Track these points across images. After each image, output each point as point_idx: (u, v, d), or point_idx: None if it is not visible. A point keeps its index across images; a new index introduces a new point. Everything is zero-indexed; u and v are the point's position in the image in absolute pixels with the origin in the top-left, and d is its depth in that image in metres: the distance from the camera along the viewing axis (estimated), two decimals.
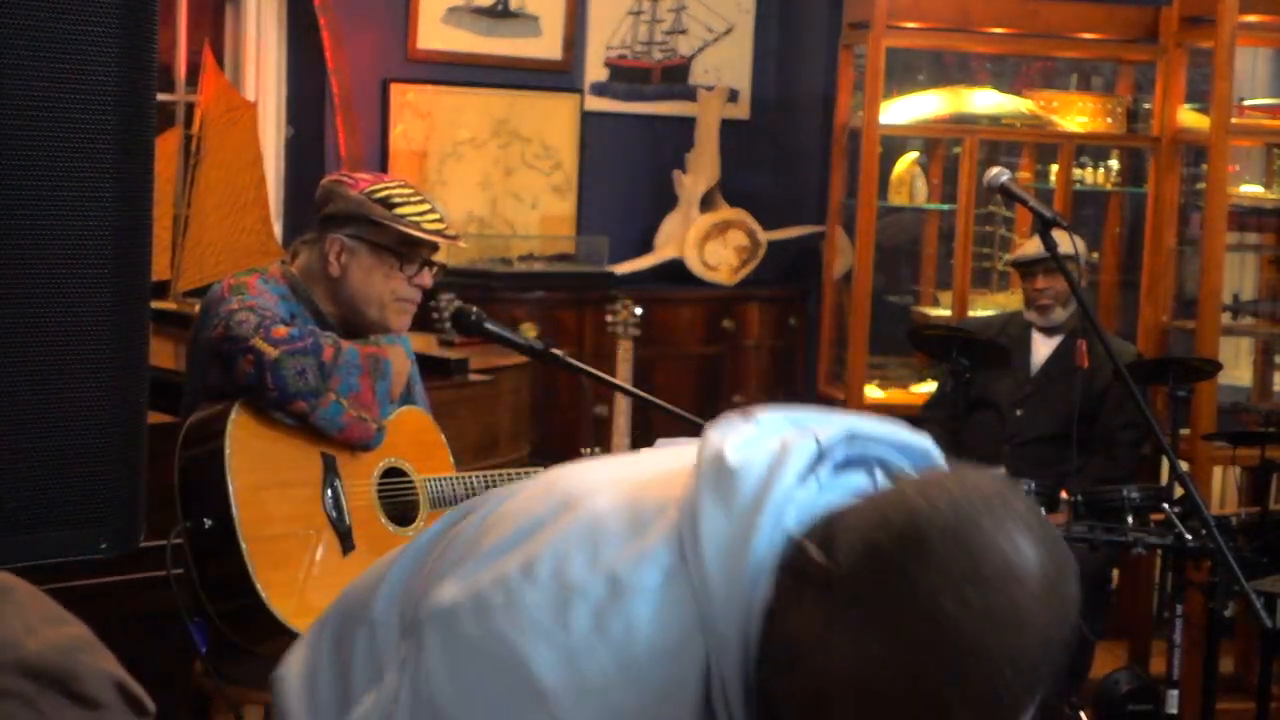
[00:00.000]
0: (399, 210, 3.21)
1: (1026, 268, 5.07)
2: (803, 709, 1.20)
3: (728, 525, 1.22)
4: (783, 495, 1.22)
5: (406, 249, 3.24)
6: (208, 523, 3.06)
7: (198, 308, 3.38)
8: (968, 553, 1.14)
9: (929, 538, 1.14)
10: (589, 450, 4.30)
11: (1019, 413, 5.07)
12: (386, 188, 3.25)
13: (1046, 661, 1.16)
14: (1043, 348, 5.13)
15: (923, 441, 1.33)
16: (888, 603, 1.14)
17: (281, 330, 3.10)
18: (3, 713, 0.73)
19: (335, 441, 3.18)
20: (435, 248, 3.29)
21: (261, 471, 3.12)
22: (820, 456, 1.26)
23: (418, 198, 3.27)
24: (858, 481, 1.27)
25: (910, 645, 1.13)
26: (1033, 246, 5.10)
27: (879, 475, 1.28)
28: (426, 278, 3.29)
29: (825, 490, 1.25)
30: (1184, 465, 4.19)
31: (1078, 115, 5.84)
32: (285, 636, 2.87)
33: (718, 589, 1.21)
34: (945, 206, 6.06)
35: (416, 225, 3.20)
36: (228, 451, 3.06)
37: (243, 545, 3.03)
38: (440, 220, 3.26)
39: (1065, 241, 4.27)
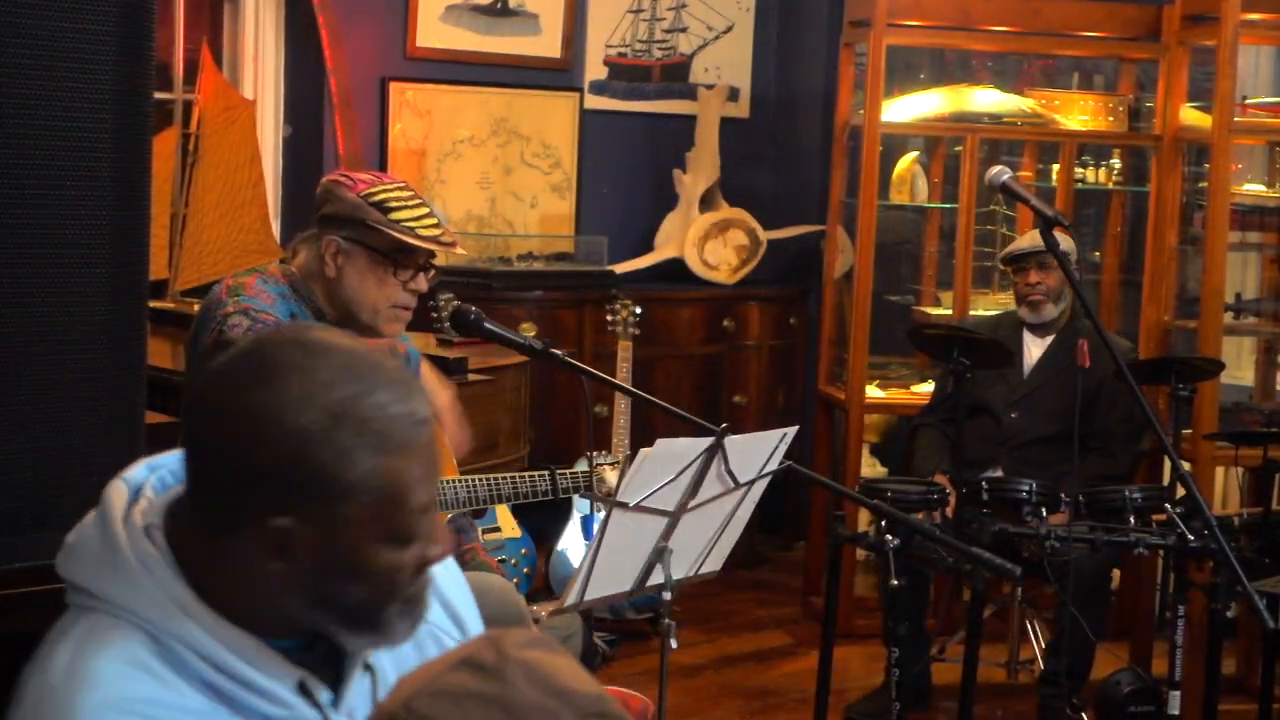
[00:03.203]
0: (394, 215, 3.17)
1: (1018, 262, 5.07)
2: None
3: (102, 571, 1.49)
4: (120, 520, 1.50)
5: (401, 255, 3.21)
6: None
7: (197, 308, 3.36)
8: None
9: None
10: (591, 452, 4.29)
11: (1013, 415, 5.06)
12: (384, 190, 3.21)
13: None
14: (1034, 349, 5.13)
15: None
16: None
17: None
18: None
19: None
20: (431, 253, 3.26)
21: None
22: (138, 488, 1.54)
23: (415, 201, 3.23)
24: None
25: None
26: (1026, 241, 5.11)
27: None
28: (422, 282, 3.25)
29: (161, 497, 1.54)
30: (1186, 465, 4.18)
31: (1079, 114, 5.83)
32: None
33: (125, 599, 1.46)
34: (946, 205, 6.04)
35: (411, 231, 3.17)
36: None
37: None
38: (437, 225, 3.22)
39: (1063, 241, 4.27)
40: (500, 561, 4.82)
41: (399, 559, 1.47)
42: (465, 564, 3.40)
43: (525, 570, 5.07)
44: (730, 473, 3.13)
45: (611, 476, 4.22)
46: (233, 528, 1.46)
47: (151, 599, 1.46)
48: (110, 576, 1.48)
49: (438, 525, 1.52)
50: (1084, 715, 4.55)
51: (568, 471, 3.98)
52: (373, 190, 3.20)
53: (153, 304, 3.47)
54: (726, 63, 6.74)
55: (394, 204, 3.19)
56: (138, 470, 1.57)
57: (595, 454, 5.07)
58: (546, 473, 4.33)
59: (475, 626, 1.73)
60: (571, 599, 3.11)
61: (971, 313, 5.60)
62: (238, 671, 1.47)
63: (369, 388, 1.43)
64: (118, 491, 1.54)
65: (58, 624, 1.52)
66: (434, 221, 3.21)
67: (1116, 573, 5.44)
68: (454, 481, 3.62)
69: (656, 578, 3.17)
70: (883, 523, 3.92)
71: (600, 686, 1.10)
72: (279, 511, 1.43)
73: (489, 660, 1.07)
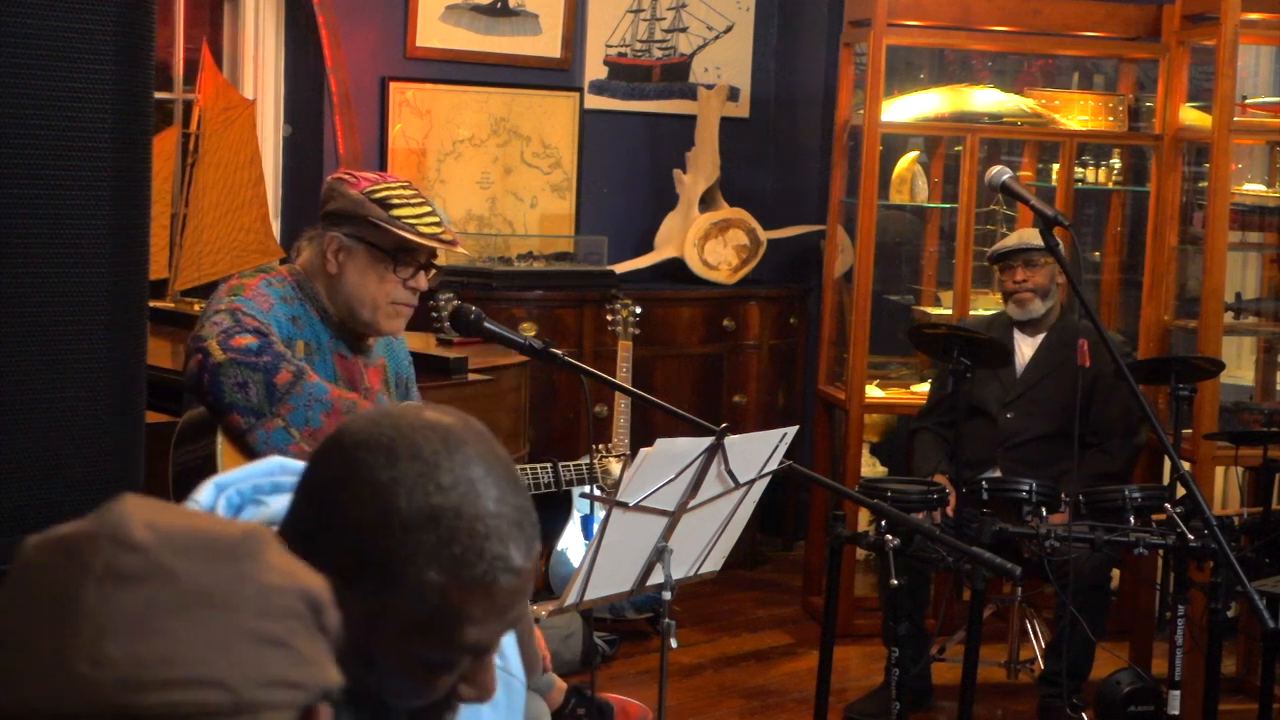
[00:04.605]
0: (396, 212, 3.17)
1: (1005, 260, 5.08)
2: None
3: None
4: None
5: (402, 252, 3.21)
6: None
7: (198, 308, 3.36)
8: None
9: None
10: (597, 448, 4.28)
11: (1009, 415, 5.06)
12: (387, 188, 3.22)
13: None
14: (1026, 348, 5.13)
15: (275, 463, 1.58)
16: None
17: (243, 340, 3.04)
18: (290, 629, 1.01)
19: None
20: (432, 252, 3.26)
21: None
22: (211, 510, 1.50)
23: (418, 200, 3.23)
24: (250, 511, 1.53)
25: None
26: (1012, 239, 5.13)
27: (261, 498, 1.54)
28: (422, 280, 3.25)
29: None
30: (1186, 465, 4.18)
31: (1079, 114, 5.83)
32: None
33: None
34: (946, 205, 6.04)
35: (412, 229, 3.17)
36: (220, 451, 3.04)
37: None
38: (439, 224, 3.22)
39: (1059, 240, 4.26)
40: None
41: (424, 679, 1.42)
42: None
43: None
44: (730, 472, 3.13)
45: (616, 467, 4.22)
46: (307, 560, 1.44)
47: None
48: None
49: (485, 671, 1.44)
50: (1084, 715, 4.55)
51: (571, 464, 3.98)
52: (376, 188, 3.21)
53: (153, 304, 3.47)
54: (726, 63, 6.74)
55: (396, 201, 3.19)
56: (206, 492, 1.53)
57: (599, 446, 5.08)
58: (549, 465, 4.32)
59: (510, 647, 1.70)
60: (571, 599, 3.11)
61: (972, 312, 5.60)
62: None
63: (479, 513, 1.35)
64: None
65: None
66: (436, 220, 3.22)
67: (1116, 573, 5.44)
68: None
69: (656, 578, 3.17)
70: (883, 523, 3.92)
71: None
72: (334, 571, 1.35)
73: (136, 565, 0.98)
